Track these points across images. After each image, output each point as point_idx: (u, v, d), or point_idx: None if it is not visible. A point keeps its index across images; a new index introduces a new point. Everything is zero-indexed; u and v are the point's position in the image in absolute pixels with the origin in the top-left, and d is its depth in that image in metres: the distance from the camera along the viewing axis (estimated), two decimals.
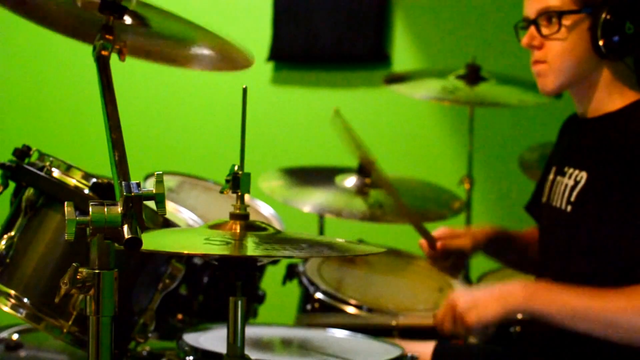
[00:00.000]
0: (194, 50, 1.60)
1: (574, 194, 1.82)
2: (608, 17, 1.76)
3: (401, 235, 3.22)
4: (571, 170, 1.85)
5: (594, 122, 1.86)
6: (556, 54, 1.82)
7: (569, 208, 1.83)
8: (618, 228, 1.74)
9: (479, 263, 2.83)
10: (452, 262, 2.12)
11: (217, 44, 1.54)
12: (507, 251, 2.18)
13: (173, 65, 1.69)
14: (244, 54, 1.55)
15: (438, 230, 2.18)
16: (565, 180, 1.86)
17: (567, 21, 1.79)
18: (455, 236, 2.13)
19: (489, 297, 1.75)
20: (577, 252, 1.83)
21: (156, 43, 1.60)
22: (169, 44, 1.59)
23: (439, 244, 2.10)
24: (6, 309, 1.62)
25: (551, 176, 1.94)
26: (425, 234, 2.12)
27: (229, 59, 1.62)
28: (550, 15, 1.80)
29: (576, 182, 1.82)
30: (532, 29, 1.84)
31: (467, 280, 2.71)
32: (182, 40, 1.56)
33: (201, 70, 1.70)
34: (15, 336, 2.04)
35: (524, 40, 1.86)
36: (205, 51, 1.59)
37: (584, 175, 1.81)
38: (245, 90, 1.39)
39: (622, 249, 1.74)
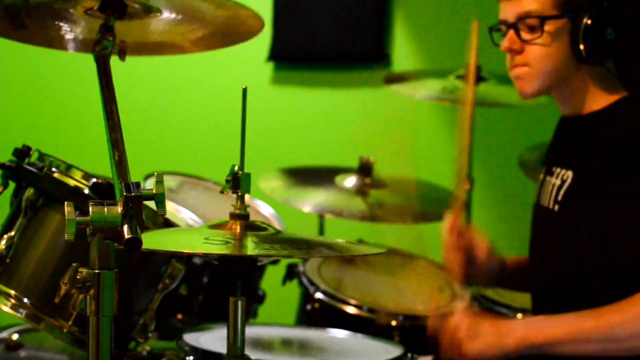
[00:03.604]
0: (203, 30, 1.57)
1: (561, 193, 1.83)
2: (589, 22, 1.76)
3: (401, 235, 3.22)
4: (558, 169, 1.86)
5: (578, 121, 1.86)
6: (537, 57, 1.81)
7: (556, 207, 1.83)
8: (605, 225, 1.74)
9: None
10: (463, 260, 2.05)
11: (223, 9, 1.51)
12: (520, 279, 2.12)
13: (185, 53, 1.66)
14: (252, 15, 1.49)
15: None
16: (553, 179, 1.87)
17: (548, 26, 1.79)
18: (476, 240, 2.08)
19: (491, 331, 1.74)
20: (565, 251, 1.83)
21: (163, 32, 1.58)
22: (177, 30, 1.57)
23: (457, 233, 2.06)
24: (6, 309, 1.62)
25: (541, 176, 1.95)
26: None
27: (236, 27, 1.57)
28: (531, 20, 1.80)
29: (563, 181, 1.83)
30: (512, 33, 1.83)
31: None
32: (186, 16, 1.53)
33: (210, 49, 1.67)
34: (15, 336, 2.04)
35: (504, 44, 1.85)
36: (211, 25, 1.56)
37: (570, 174, 1.82)
38: (245, 91, 1.39)
39: (609, 246, 1.74)
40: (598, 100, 1.83)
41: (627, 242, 1.72)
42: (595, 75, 1.83)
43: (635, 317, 1.66)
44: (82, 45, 1.60)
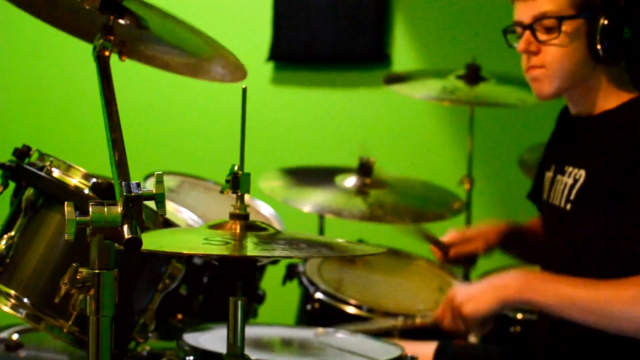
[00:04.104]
0: (191, 58, 1.60)
1: (573, 192, 1.82)
2: (606, 22, 1.76)
3: (401, 236, 3.23)
4: (570, 168, 1.86)
5: (591, 120, 1.86)
6: (554, 59, 1.81)
7: (568, 206, 1.83)
8: (617, 225, 1.74)
9: (479, 263, 2.83)
10: (464, 262, 2.22)
11: (214, 50, 1.54)
12: (519, 245, 2.24)
13: (170, 71, 1.69)
14: (240, 64, 1.55)
15: (449, 235, 2.21)
16: (565, 179, 1.87)
17: (565, 27, 1.78)
18: (467, 240, 2.17)
19: (485, 289, 1.79)
20: (577, 250, 1.83)
21: (154, 47, 1.60)
22: (167, 48, 1.59)
23: (451, 251, 2.15)
24: (6, 309, 1.61)
25: (551, 174, 1.95)
26: (437, 243, 2.16)
27: (225, 68, 1.61)
28: (548, 21, 1.79)
29: (575, 181, 1.83)
30: (528, 34, 1.82)
31: (467, 280, 2.71)
32: (179, 45, 1.56)
33: (196, 78, 1.70)
34: (15, 336, 2.04)
35: (521, 45, 1.84)
36: (202, 58, 1.58)
37: (582, 173, 1.82)
38: (244, 90, 1.39)
39: (621, 245, 1.74)
40: (610, 99, 1.83)
41: (638, 241, 1.72)
42: (610, 75, 1.82)
43: (631, 299, 1.67)
44: (79, 30, 1.60)
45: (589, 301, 1.70)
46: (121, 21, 1.45)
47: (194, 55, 1.58)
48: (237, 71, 1.59)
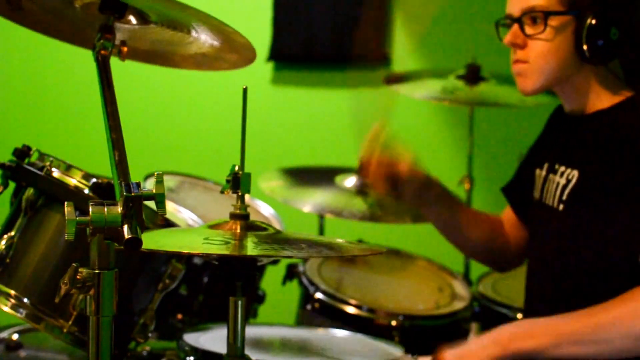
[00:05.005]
0: (194, 48, 1.59)
1: (566, 192, 1.81)
2: (594, 21, 1.75)
3: (401, 235, 3.23)
4: (563, 168, 1.85)
5: (584, 119, 1.85)
6: (539, 54, 1.81)
7: (561, 207, 1.82)
8: (610, 225, 1.73)
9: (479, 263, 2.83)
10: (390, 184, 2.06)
11: (219, 33, 1.52)
12: (447, 215, 2.13)
13: (173, 67, 1.68)
14: (247, 45, 1.52)
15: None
16: (557, 178, 1.86)
17: (552, 22, 1.78)
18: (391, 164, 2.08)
19: (475, 349, 1.68)
20: (570, 250, 1.82)
21: (156, 42, 1.59)
22: (169, 42, 1.58)
23: (371, 169, 2.06)
24: (6, 309, 1.61)
25: (543, 173, 1.94)
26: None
27: (230, 53, 1.60)
28: (536, 15, 1.79)
29: (568, 181, 1.82)
30: (516, 27, 1.82)
31: (467, 281, 2.71)
32: (182, 32, 1.54)
33: (201, 70, 1.69)
34: (15, 336, 2.04)
35: (507, 38, 1.84)
36: (206, 47, 1.58)
37: (575, 173, 1.81)
38: (245, 91, 1.39)
39: (613, 247, 1.73)
40: (603, 99, 1.82)
41: (632, 243, 1.71)
42: (598, 74, 1.82)
43: (625, 316, 1.62)
44: (79, 38, 1.60)
45: (585, 329, 1.64)
46: (131, 19, 1.44)
47: (200, 45, 1.56)
48: (245, 54, 1.56)
